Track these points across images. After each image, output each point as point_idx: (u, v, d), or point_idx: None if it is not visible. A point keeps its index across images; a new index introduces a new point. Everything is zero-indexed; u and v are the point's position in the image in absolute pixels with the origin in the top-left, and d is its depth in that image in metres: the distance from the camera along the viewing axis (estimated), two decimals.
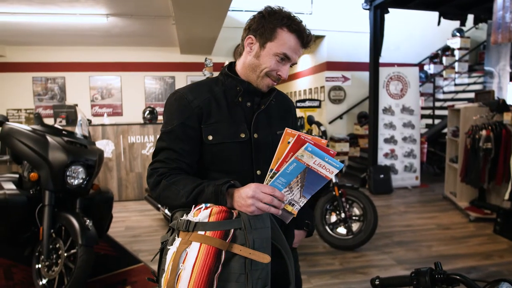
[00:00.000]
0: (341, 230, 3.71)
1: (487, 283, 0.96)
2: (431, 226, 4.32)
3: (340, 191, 3.66)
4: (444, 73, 8.04)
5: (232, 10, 7.81)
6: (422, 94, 7.82)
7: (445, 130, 6.25)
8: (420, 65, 8.26)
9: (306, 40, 1.18)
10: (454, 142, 5.29)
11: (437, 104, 7.63)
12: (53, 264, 2.69)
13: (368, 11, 6.01)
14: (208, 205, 1.04)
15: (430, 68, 8.16)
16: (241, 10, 7.89)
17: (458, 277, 1.02)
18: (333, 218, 3.78)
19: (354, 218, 3.70)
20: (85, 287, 2.79)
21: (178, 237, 1.02)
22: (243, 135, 1.19)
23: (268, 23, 1.16)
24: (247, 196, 1.01)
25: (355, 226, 3.68)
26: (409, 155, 6.41)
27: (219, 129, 1.18)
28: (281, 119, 1.32)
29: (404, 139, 6.38)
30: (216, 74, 5.27)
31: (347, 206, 3.71)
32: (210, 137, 1.17)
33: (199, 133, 1.18)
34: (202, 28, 5.37)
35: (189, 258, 0.97)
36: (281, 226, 1.31)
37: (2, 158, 5.18)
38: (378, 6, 5.84)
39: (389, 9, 6.08)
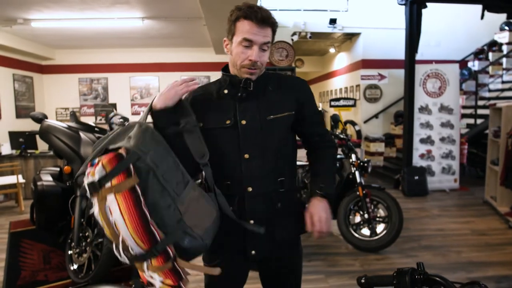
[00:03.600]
0: (365, 231, 3.63)
1: (461, 284, 0.93)
2: (465, 231, 4.11)
3: (364, 192, 3.59)
4: (490, 69, 7.54)
5: None
6: (465, 93, 7.40)
7: (488, 131, 5.88)
8: (464, 62, 7.82)
9: (260, 17, 1.24)
10: (496, 143, 4.97)
11: (482, 102, 7.17)
12: (82, 251, 2.90)
13: (404, 7, 5.79)
14: (96, 160, 1.10)
15: (475, 65, 7.68)
16: (275, 10, 7.92)
17: (438, 278, 1.00)
18: (357, 219, 3.71)
19: (378, 219, 3.61)
20: (112, 274, 2.98)
21: (92, 198, 1.09)
22: (228, 122, 1.31)
23: (230, 22, 1.29)
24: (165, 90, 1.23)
25: (379, 228, 3.59)
26: (447, 156, 6.10)
27: (208, 118, 1.33)
28: (274, 104, 1.35)
29: (442, 139, 6.08)
30: None
31: (372, 207, 3.62)
32: (201, 124, 1.30)
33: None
34: None
35: (114, 210, 1.05)
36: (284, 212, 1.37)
37: (50, 153, 5.63)
38: (414, 1, 5.62)
39: (428, 4, 5.82)
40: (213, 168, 1.28)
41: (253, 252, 1.33)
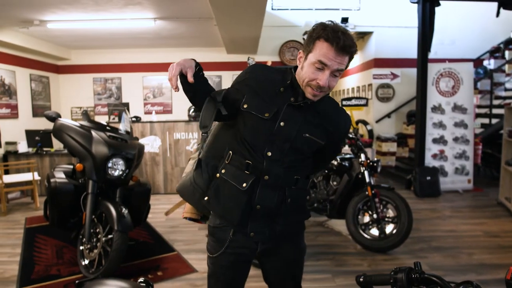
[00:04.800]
0: (374, 231, 3.61)
1: (455, 284, 0.93)
2: (477, 232, 4.04)
3: (373, 191, 3.56)
4: (506, 68, 7.37)
5: (278, 9, 7.88)
6: (480, 92, 7.25)
7: (503, 131, 5.75)
8: (479, 60, 7.66)
9: (341, 45, 1.23)
10: (511, 143, 4.87)
11: (497, 102, 7.01)
12: (93, 247, 2.97)
13: (416, 5, 5.72)
14: None
15: (491, 63, 7.51)
16: (287, 9, 7.91)
17: (434, 278, 1.00)
18: (366, 219, 3.69)
19: (387, 219, 3.58)
20: (122, 270, 3.05)
21: None
22: (267, 115, 1.35)
23: (310, 38, 1.29)
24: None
25: (388, 228, 3.57)
26: (461, 156, 6.00)
27: (253, 104, 1.38)
28: (316, 127, 1.40)
29: (456, 139, 5.98)
30: None
31: (381, 207, 3.60)
32: (245, 106, 1.38)
33: (239, 98, 1.40)
34: (242, 27, 5.50)
35: None
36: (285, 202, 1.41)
37: (64, 151, 5.76)
38: None
39: (442, 2, 5.72)
40: (241, 144, 1.39)
41: (252, 233, 1.39)
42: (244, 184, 1.35)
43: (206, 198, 1.45)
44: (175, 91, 1.31)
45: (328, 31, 1.24)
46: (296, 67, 1.39)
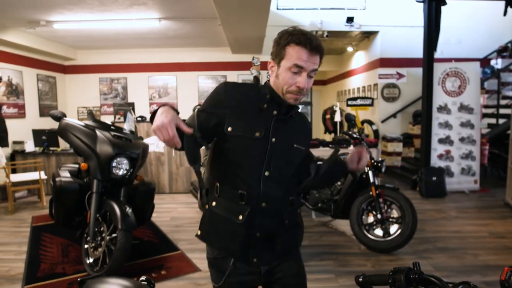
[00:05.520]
0: (378, 231, 3.59)
1: (453, 284, 0.93)
2: (483, 233, 4.00)
3: (377, 192, 3.55)
4: None
5: (283, 9, 7.86)
6: (487, 91, 7.18)
7: (510, 131, 5.69)
8: (486, 60, 7.58)
9: (313, 45, 1.25)
10: None
11: (505, 102, 6.94)
12: (98, 246, 3.00)
13: (422, 4, 5.68)
14: None
15: (498, 63, 7.43)
16: (292, 9, 7.90)
17: (432, 278, 0.99)
18: (370, 219, 3.68)
19: (391, 220, 3.56)
20: (126, 269, 3.07)
21: None
22: (257, 134, 1.31)
23: (279, 46, 1.29)
24: (155, 124, 1.14)
25: (392, 228, 3.55)
26: (467, 157, 5.94)
27: (239, 125, 1.32)
28: (300, 133, 1.44)
29: (462, 139, 5.93)
30: (263, 72, 5.48)
31: (385, 207, 3.58)
32: (230, 129, 1.31)
33: (219, 123, 1.32)
34: (246, 27, 5.50)
35: None
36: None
37: (70, 151, 5.81)
38: None
39: (448, 1, 5.67)
40: (230, 173, 1.34)
41: (254, 260, 1.36)
42: (241, 217, 1.31)
43: (199, 233, 1.44)
44: (178, 147, 1.19)
45: (298, 35, 1.26)
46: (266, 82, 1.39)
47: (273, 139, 1.32)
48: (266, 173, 1.32)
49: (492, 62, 7.55)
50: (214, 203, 1.37)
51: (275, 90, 1.33)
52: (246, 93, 1.37)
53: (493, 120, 6.71)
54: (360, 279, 1.18)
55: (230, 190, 1.34)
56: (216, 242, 1.38)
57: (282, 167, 1.35)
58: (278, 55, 1.30)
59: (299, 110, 1.48)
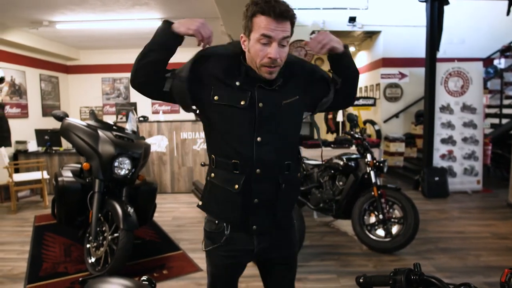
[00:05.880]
0: (380, 232, 3.58)
1: (454, 285, 0.93)
2: (485, 234, 3.98)
3: (379, 192, 3.54)
4: None
5: None
6: (490, 91, 7.16)
7: None
8: (489, 60, 7.55)
9: (278, 12, 1.20)
10: None
11: (508, 101, 6.91)
12: (100, 245, 3.00)
13: (425, 4, 5.66)
14: None
15: (501, 63, 7.40)
16: (294, 8, 7.86)
17: (433, 280, 0.99)
18: (372, 219, 3.67)
19: (393, 220, 3.56)
20: (128, 269, 3.08)
21: None
22: (242, 102, 1.29)
23: (246, 18, 1.27)
24: (197, 22, 1.27)
25: (394, 229, 3.54)
26: (470, 157, 5.92)
27: (224, 94, 1.31)
28: (291, 90, 1.36)
29: (464, 139, 5.91)
30: None
31: (387, 208, 3.57)
32: (216, 97, 1.31)
33: (203, 88, 1.33)
34: None
35: None
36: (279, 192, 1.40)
37: (73, 150, 5.83)
38: None
39: (450, 0, 5.65)
40: (222, 144, 1.34)
41: (254, 227, 1.38)
42: (236, 186, 1.33)
43: (200, 203, 1.46)
44: (206, 45, 1.31)
45: (261, 4, 1.21)
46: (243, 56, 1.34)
47: (260, 104, 1.30)
48: (259, 139, 1.31)
49: (495, 62, 7.52)
50: (212, 174, 1.39)
51: (251, 66, 1.31)
52: (220, 58, 1.35)
53: (496, 120, 6.68)
54: (361, 280, 1.17)
55: (224, 160, 1.34)
56: (216, 212, 1.41)
57: (275, 128, 1.32)
58: (247, 28, 1.26)
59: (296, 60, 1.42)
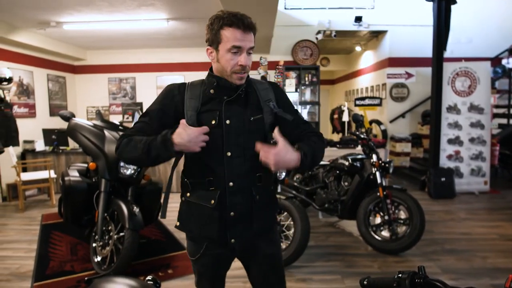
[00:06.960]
0: (385, 233, 3.57)
1: None
2: (493, 235, 3.95)
3: (384, 193, 3.52)
4: None
5: (291, 9, 7.85)
6: (498, 91, 7.08)
7: None
8: (497, 59, 7.47)
9: (246, 24, 1.31)
10: None
11: None
12: (106, 244, 3.03)
13: (431, 3, 5.62)
14: None
15: (509, 62, 7.32)
16: (299, 8, 7.88)
17: (437, 283, 0.99)
18: (378, 220, 3.65)
19: (399, 221, 3.54)
20: (133, 268, 3.10)
21: None
22: (213, 122, 1.38)
23: (213, 31, 1.35)
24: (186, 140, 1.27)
25: (400, 230, 3.52)
26: (477, 157, 5.87)
27: (201, 118, 1.39)
28: (256, 106, 1.44)
29: (472, 140, 5.86)
30: (270, 72, 5.50)
31: (392, 208, 3.55)
32: (189, 123, 1.37)
33: (174, 120, 1.38)
34: None
35: None
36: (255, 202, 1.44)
37: (80, 150, 5.88)
38: None
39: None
40: (196, 165, 1.43)
41: (232, 240, 1.43)
42: (212, 201, 1.39)
43: (177, 224, 1.51)
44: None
45: (229, 17, 1.30)
46: (211, 68, 1.44)
47: (227, 121, 1.38)
48: (228, 154, 1.38)
49: (503, 62, 7.44)
50: (188, 194, 1.47)
51: (220, 76, 1.39)
52: (194, 90, 1.42)
53: (504, 120, 6.62)
54: (365, 282, 1.17)
55: (200, 181, 1.42)
56: (194, 229, 1.46)
57: (243, 142, 1.39)
58: (214, 40, 1.35)
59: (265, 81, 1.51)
